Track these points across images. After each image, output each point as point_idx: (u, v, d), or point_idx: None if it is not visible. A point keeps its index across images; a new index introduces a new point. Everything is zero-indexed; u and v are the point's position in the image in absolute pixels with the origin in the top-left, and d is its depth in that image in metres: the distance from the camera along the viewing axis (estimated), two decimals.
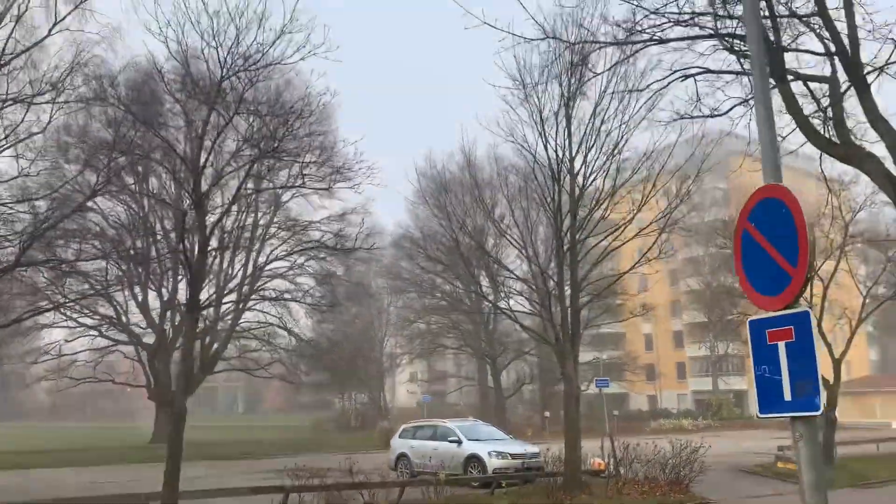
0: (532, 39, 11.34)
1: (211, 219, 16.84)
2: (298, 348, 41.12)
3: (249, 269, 41.34)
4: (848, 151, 9.54)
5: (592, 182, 19.64)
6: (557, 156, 18.86)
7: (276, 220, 41.11)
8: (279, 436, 46.43)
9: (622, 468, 20.16)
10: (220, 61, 13.55)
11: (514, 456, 19.29)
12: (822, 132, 10.57)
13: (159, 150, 15.28)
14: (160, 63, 14.25)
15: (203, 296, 40.82)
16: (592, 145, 19.44)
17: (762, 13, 10.00)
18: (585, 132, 19.44)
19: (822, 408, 4.21)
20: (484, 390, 58.53)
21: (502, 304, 26.56)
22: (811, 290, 24.59)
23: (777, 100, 10.75)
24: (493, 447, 19.83)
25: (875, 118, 9.37)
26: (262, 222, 41.40)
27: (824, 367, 25.44)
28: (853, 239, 24.66)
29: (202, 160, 13.54)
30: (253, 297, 40.93)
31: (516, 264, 29.11)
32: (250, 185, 18.88)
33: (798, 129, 10.07)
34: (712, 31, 9.91)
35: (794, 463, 20.14)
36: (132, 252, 25.86)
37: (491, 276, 19.85)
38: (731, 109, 12.25)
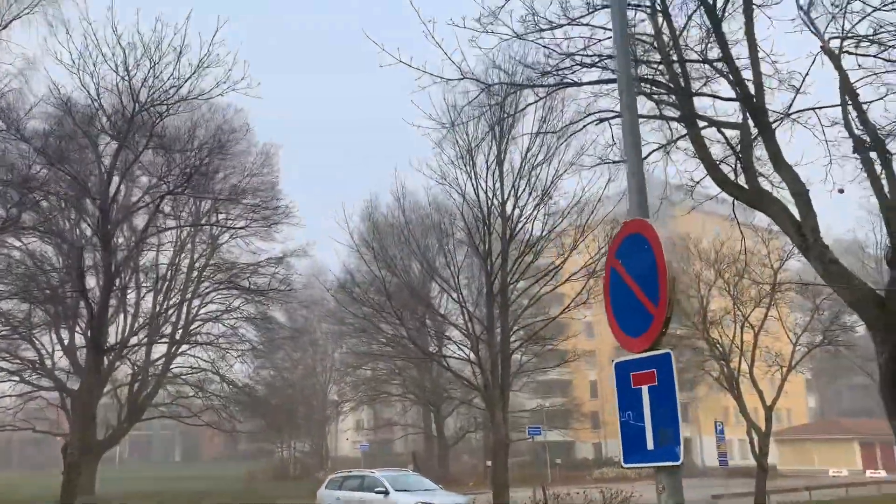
0: (448, 79, 11.17)
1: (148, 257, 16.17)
2: (232, 395, 39.71)
3: (184, 312, 40.10)
4: (754, 196, 9.54)
5: (523, 226, 19.58)
6: (488, 198, 18.76)
7: (212, 261, 40.04)
8: (213, 486, 44.53)
9: None
10: (132, 95, 13.10)
11: None
12: (734, 177, 10.61)
13: (67, 186, 14.63)
14: (72, 97, 13.77)
15: (134, 339, 39.39)
16: (523, 189, 19.45)
17: (670, 56, 10.07)
18: (516, 176, 19.47)
19: (681, 458, 3.91)
20: (429, 438, 57.56)
21: (444, 350, 26.17)
22: (741, 337, 24.89)
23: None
24: (421, 498, 19.16)
25: (779, 163, 9.41)
26: (198, 264, 40.39)
27: (758, 416, 25.56)
28: (781, 286, 25.00)
29: (110, 196, 12.94)
30: (186, 341, 39.61)
31: (457, 309, 28.91)
32: (169, 223, 17.95)
33: (707, 173, 10.07)
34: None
35: None
36: (46, 291, 24.68)
37: (422, 321, 19.41)
38: (649, 155, 12.33)
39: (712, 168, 9.98)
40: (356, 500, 20.47)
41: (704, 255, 25.29)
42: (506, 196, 19.62)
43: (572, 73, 10.25)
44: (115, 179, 13.06)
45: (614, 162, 13.47)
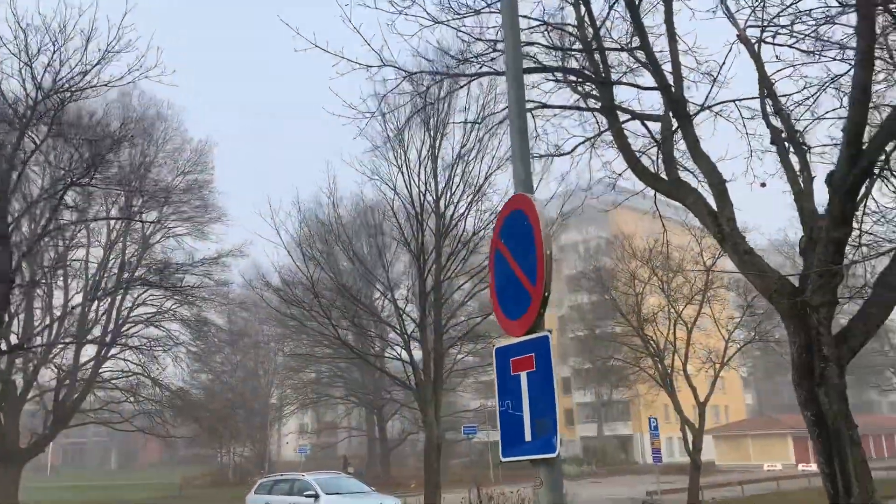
0: (368, 66, 10.78)
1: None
2: (166, 400, 38.44)
3: (114, 313, 38.67)
4: (671, 186, 9.42)
5: (456, 223, 19.30)
6: (420, 193, 18.42)
7: (144, 261, 38.72)
8: (144, 494, 43.10)
9: None
10: (35, 81, 12.33)
11: None
12: (657, 171, 10.48)
13: None
14: None
15: (47, 339, 37.70)
16: (457, 185, 19.18)
17: (591, 45, 9.88)
18: (451, 172, 19.20)
19: (557, 449, 3.62)
20: (372, 441, 57.00)
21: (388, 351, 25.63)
22: (674, 334, 25.10)
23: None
24: (352, 501, 18.71)
25: (697, 154, 9.30)
26: (130, 265, 39.00)
27: (689, 411, 25.81)
28: (713, 284, 25.33)
29: (10, 187, 12.15)
30: (116, 343, 38.22)
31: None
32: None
33: (626, 164, 9.91)
34: (539, 65, 9.66)
35: None
36: None
37: (352, 319, 18.92)
38: (574, 148, 12.15)
39: (631, 159, 9.83)
40: None
41: (640, 252, 25.43)
42: (439, 192, 19.33)
43: (491, 60, 9.96)
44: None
45: (540, 156, 13.31)
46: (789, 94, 9.91)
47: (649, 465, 57.26)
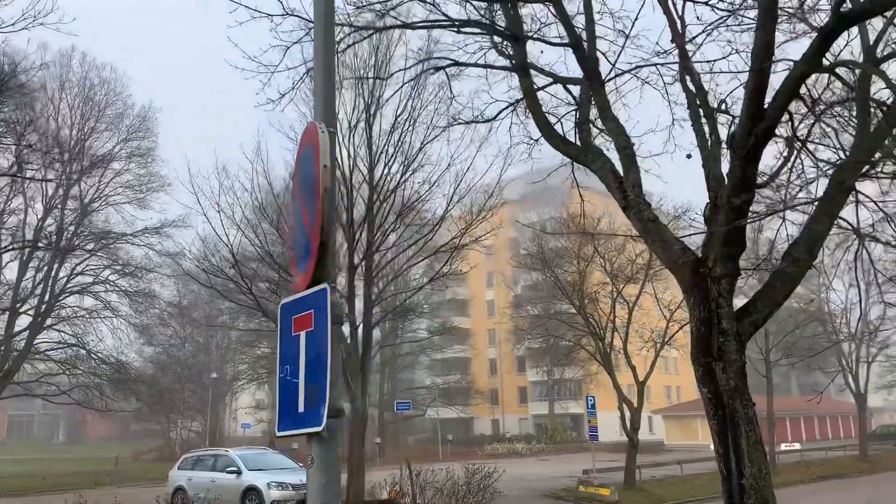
0: (269, 15, 10.03)
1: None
2: (105, 373, 37.30)
3: (49, 283, 37.34)
4: (580, 151, 8.90)
5: (391, 194, 18.65)
6: (350, 159, 17.72)
7: (81, 229, 37.38)
8: (84, 468, 41.96)
9: (418, 497, 19.16)
10: None
11: (295, 487, 17.65)
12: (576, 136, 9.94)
13: None
14: None
15: None
16: (392, 155, 18.53)
17: None
18: (386, 140, 18.54)
19: (323, 422, 3.04)
20: None
21: None
22: (613, 312, 24.85)
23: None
24: (274, 478, 18.13)
25: (606, 116, 8.80)
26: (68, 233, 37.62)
27: (630, 392, 25.67)
28: (657, 263, 25.07)
29: None
30: (50, 314, 36.95)
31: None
32: None
33: (537, 126, 9.37)
34: (448, 19, 9.01)
35: (596, 486, 19.62)
36: None
37: (273, 289, 18.20)
38: (499, 113, 11.56)
39: (542, 122, 9.28)
40: (208, 480, 19.26)
41: (584, 229, 25.06)
42: (374, 161, 18.66)
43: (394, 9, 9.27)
44: None
45: (465, 123, 12.71)
46: (714, 60, 9.45)
47: (600, 442, 57.83)
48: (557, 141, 9.07)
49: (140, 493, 23.55)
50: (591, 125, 9.49)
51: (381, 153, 18.48)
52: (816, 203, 7.61)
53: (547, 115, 9.38)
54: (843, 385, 39.88)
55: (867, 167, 8.57)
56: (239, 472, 18.62)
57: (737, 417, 7.13)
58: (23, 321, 36.68)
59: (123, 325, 39.08)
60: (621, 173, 8.45)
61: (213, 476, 19.16)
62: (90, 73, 38.95)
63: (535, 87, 10.07)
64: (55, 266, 37.17)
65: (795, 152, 8.12)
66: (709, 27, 9.11)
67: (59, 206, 37.83)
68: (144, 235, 37.34)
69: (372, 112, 18.57)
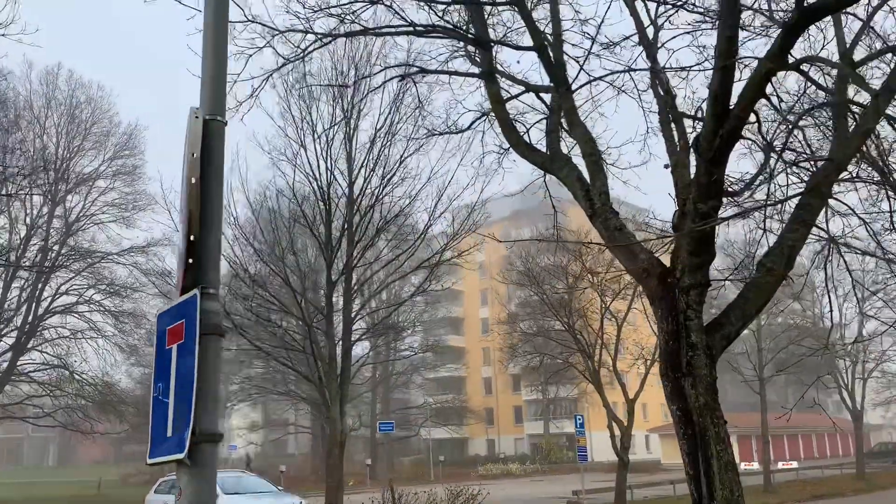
0: (232, 22, 9.69)
1: None
2: (86, 394, 36.71)
3: (33, 303, 36.84)
4: (546, 159, 8.55)
5: (370, 209, 18.31)
6: (328, 173, 17.40)
7: (65, 249, 36.98)
8: (76, 492, 41.25)
9: None
10: None
11: None
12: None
13: None
14: None
15: None
16: (371, 170, 18.22)
17: None
18: (366, 154, 18.23)
19: (185, 448, 2.65)
20: (316, 438, 55.67)
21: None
22: (601, 329, 24.41)
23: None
24: (250, 501, 17.62)
25: (573, 122, 8.48)
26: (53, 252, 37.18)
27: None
28: None
29: None
30: (35, 335, 36.44)
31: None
32: None
33: (503, 133, 9.04)
34: (410, 24, 8.68)
35: None
36: None
37: (249, 307, 17.74)
38: (472, 124, 11.24)
39: (508, 130, 8.95)
40: None
41: (571, 245, 24.70)
42: (354, 176, 18.34)
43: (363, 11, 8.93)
44: None
45: (440, 133, 12.40)
46: (689, 67, 9.15)
47: (596, 462, 57.04)
48: (524, 149, 8.74)
49: None
50: (560, 133, 9.16)
51: (361, 167, 18.17)
52: (789, 209, 7.23)
53: (515, 121, 9.07)
54: (841, 402, 39.34)
55: (844, 173, 8.24)
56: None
57: (707, 436, 6.72)
58: (6, 342, 36.17)
59: (109, 346, 38.57)
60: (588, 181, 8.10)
61: None
62: (76, 91, 38.75)
63: (509, 95, 9.77)
64: (39, 286, 36.73)
65: (774, 159, 7.79)
66: (681, 30, 8.84)
67: (45, 225, 37.47)
68: (129, 254, 36.95)
69: (352, 126, 18.28)
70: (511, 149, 9.77)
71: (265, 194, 18.38)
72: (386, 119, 17.63)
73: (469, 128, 11.23)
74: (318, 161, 17.44)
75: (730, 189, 6.90)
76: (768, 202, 7.45)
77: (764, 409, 31.17)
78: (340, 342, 17.54)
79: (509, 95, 9.79)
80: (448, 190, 17.82)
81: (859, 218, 8.07)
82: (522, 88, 9.81)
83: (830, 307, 8.98)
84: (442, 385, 71.27)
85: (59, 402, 37.25)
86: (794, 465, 45.19)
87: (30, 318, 36.44)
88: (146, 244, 37.25)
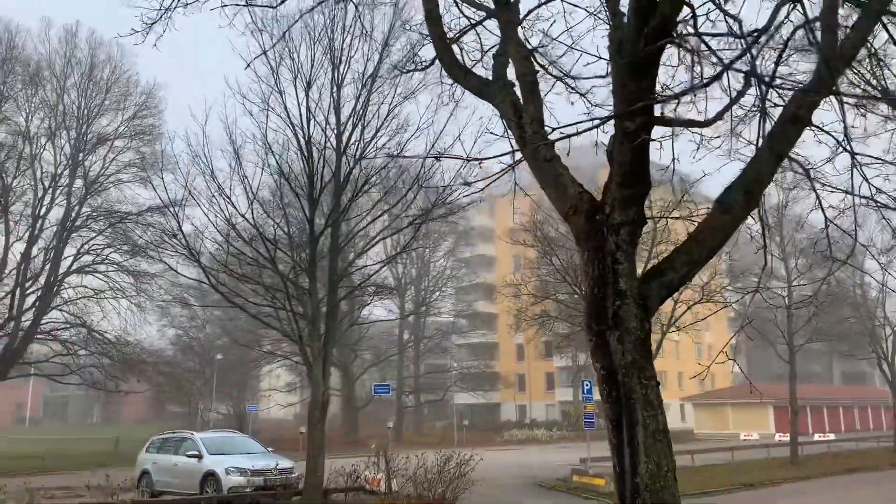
0: None
1: None
2: (108, 353, 36.99)
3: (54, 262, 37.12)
4: (482, 83, 7.48)
5: (357, 162, 17.41)
6: (312, 122, 16.53)
7: (86, 209, 37.07)
8: (89, 448, 41.87)
9: (394, 485, 18.05)
10: None
11: (254, 472, 16.66)
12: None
13: None
14: None
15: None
16: (359, 120, 17.28)
17: None
18: (354, 104, 17.30)
19: None
20: (344, 400, 55.79)
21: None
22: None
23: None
24: (234, 462, 17.14)
25: (510, 41, 7.37)
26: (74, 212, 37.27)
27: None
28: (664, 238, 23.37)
29: None
30: (57, 293, 36.79)
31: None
32: None
33: (437, 55, 7.97)
34: None
35: (590, 476, 18.11)
36: None
37: (222, 264, 17.07)
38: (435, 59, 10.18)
39: (442, 50, 7.87)
40: (171, 464, 18.43)
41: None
42: (342, 127, 17.41)
43: None
44: None
45: (412, 70, 11.36)
46: None
47: None
48: (458, 72, 7.70)
49: (119, 475, 22.86)
50: (508, 59, 8.05)
51: (350, 118, 17.23)
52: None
53: (449, 39, 7.96)
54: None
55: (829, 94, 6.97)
56: (200, 457, 17.68)
57: (633, 400, 5.69)
58: (28, 302, 36.56)
59: (133, 307, 38.74)
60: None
61: (176, 460, 18.29)
62: (97, 51, 38.47)
63: (471, 21, 8.68)
64: (61, 246, 36.96)
65: (754, 86, 6.57)
66: None
67: (66, 185, 37.57)
68: (148, 214, 36.82)
69: (341, 73, 17.31)
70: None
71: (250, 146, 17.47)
72: (371, 66, 16.63)
73: (433, 62, 10.18)
74: (299, 108, 16.57)
75: (661, 98, 5.70)
76: (706, 122, 6.22)
77: (793, 378, 29.60)
78: (323, 299, 16.80)
79: (474, 21, 8.72)
80: (443, 142, 16.77)
81: (844, 148, 6.82)
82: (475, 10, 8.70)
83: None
84: (474, 351, 70.71)
85: (83, 361, 37.70)
86: (832, 437, 43.51)
87: (52, 278, 36.74)
88: (165, 204, 37.04)
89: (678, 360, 66.45)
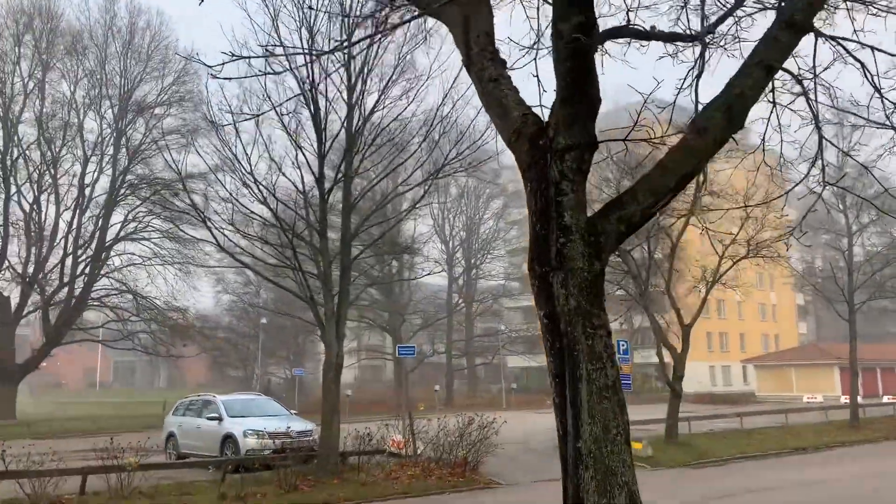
0: None
1: None
2: (154, 317, 37.72)
3: (107, 233, 37.87)
4: (432, 2, 6.61)
5: (370, 116, 16.70)
6: (322, 73, 15.84)
7: (129, 176, 37.60)
8: (143, 411, 43.01)
9: (420, 448, 17.64)
10: None
11: (272, 435, 16.44)
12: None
13: None
14: None
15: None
16: (369, 71, 16.56)
17: None
18: (364, 57, 16.51)
19: None
20: (395, 363, 56.03)
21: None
22: (649, 249, 21.98)
23: None
24: (252, 425, 16.98)
25: None
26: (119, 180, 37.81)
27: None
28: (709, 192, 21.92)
29: None
30: (107, 262, 37.63)
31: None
32: None
33: None
34: None
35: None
36: None
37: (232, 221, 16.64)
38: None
39: None
40: (194, 426, 18.47)
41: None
42: (353, 79, 16.69)
43: None
44: None
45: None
46: None
47: (690, 393, 54.39)
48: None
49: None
50: None
51: (361, 72, 16.49)
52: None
53: None
54: None
55: None
56: (220, 419, 17.62)
57: (577, 352, 4.88)
58: (79, 270, 37.43)
59: (179, 274, 39.28)
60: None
61: (199, 423, 18.31)
62: (136, 19, 38.62)
63: None
64: (108, 214, 37.64)
65: None
66: None
67: (112, 154, 38.12)
68: (191, 181, 37.03)
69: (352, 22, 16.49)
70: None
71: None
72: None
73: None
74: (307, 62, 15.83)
75: None
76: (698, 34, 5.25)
77: (853, 337, 27.83)
78: (336, 259, 16.30)
79: None
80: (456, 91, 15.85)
81: (845, 51, 5.74)
82: None
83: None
84: (526, 314, 69.85)
85: (133, 328, 38.63)
86: None
87: (100, 246, 37.49)
88: (206, 171, 37.21)
89: (741, 322, 64.16)
